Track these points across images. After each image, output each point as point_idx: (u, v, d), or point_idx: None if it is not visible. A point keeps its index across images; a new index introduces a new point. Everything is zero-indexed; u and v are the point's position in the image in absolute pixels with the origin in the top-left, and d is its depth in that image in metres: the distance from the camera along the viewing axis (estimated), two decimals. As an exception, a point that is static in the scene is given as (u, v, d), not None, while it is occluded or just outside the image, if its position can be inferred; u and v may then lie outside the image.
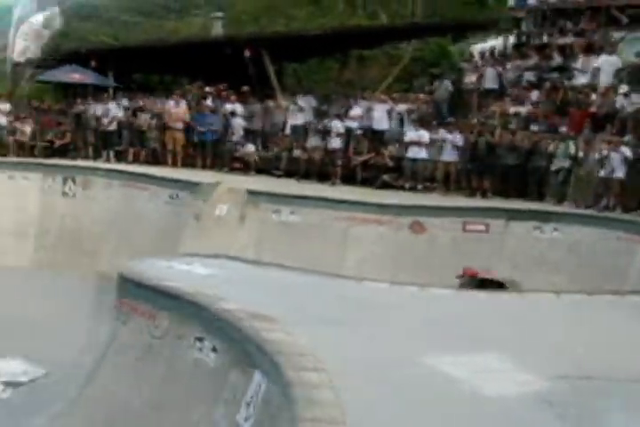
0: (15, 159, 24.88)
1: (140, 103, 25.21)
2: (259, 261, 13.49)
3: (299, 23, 37.21)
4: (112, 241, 21.12)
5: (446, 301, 11.51)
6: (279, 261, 13.70)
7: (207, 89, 25.47)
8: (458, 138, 20.69)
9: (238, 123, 23.12)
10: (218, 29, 35.20)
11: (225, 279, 11.40)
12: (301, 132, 22.68)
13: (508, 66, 24.12)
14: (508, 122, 21.45)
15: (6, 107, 25.96)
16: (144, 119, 24.28)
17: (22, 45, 27.39)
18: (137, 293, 11.08)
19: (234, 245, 17.44)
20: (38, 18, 27.59)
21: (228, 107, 23.66)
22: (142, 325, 10.81)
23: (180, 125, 23.68)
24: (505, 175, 20.59)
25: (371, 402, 6.72)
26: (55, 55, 31.23)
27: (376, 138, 22.07)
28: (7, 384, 16.02)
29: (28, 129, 25.70)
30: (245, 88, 24.70)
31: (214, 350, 9.42)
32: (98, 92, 27.87)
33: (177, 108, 24.05)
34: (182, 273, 11.66)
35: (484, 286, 14.78)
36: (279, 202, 18.89)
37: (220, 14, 36.69)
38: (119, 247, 20.46)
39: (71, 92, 30.00)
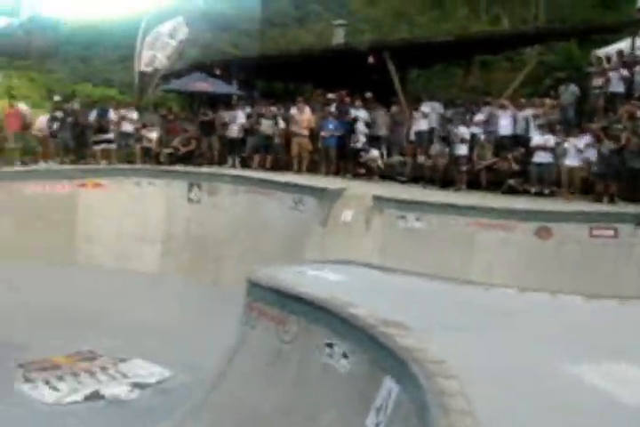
0: (141, 166, 25.47)
1: (264, 110, 25.40)
2: (387, 267, 13.38)
3: (421, 29, 37.06)
4: (237, 247, 21.33)
5: (575, 307, 11.27)
6: (405, 268, 13.65)
7: (330, 95, 25.55)
8: (584, 142, 20.30)
9: (362, 129, 23.11)
10: (340, 37, 35.28)
11: (354, 285, 11.37)
12: (425, 138, 22.55)
13: (637, 68, 23.52)
14: (637, 125, 20.93)
15: (133, 115, 26.56)
16: (269, 126, 24.46)
17: (149, 55, 27.92)
18: (267, 297, 11.14)
19: (359, 251, 17.39)
20: (164, 28, 28.09)
21: (353, 113, 23.68)
22: (272, 329, 10.87)
23: (305, 132, 23.83)
24: (633, 179, 20.10)
25: (501, 410, 6.62)
26: (181, 64, 31.83)
27: (501, 143, 21.81)
28: (134, 385, 16.38)
29: (154, 136, 26.25)
30: (369, 94, 24.66)
31: (344, 355, 9.40)
32: (223, 100, 28.25)
33: (301, 115, 24.21)
34: (312, 279, 11.68)
35: None
36: (405, 208, 18.78)
37: (341, 22, 36.77)
38: (244, 253, 20.67)
39: (196, 100, 30.48)
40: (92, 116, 26.27)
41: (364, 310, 9.65)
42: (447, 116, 22.90)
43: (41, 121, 26.15)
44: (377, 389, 8.38)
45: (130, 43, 29.28)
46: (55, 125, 25.68)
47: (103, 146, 26.04)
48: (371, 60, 25.69)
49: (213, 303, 19.38)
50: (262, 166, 24.37)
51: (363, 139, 22.93)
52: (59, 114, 25.99)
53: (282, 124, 24.34)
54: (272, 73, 33.50)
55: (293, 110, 24.63)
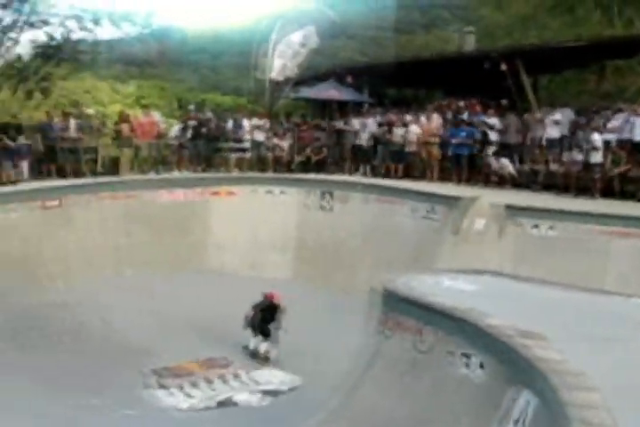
0: (273, 175, 25.75)
1: (395, 118, 25.36)
2: (523, 276, 13.25)
3: (552, 34, 36.42)
4: (368, 255, 21.31)
5: None
6: (538, 277, 13.48)
7: (461, 103, 25.40)
8: None
9: (493, 136, 22.88)
10: (470, 43, 35.03)
11: (490, 295, 11.27)
12: (558, 145, 22.20)
13: None
14: None
15: (264, 123, 26.89)
16: (399, 134, 24.43)
17: (280, 64, 28.21)
18: (403, 307, 11.12)
19: (491, 260, 17.23)
20: (295, 37, 28.35)
21: (484, 120, 23.47)
22: (408, 339, 10.85)
23: (435, 140, 23.72)
24: None
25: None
26: (311, 73, 32.06)
27: (636, 150, 21.29)
28: (266, 393, 16.51)
29: (285, 145, 26.51)
30: (503, 101, 24.41)
31: (481, 366, 9.38)
32: (353, 108, 28.34)
33: (431, 123, 24.11)
34: (448, 289, 11.64)
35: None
36: (538, 216, 18.48)
37: (471, 28, 36.51)
38: (375, 261, 20.61)
39: (326, 108, 30.65)
40: (229, 125, 26.70)
41: (500, 320, 9.59)
42: (580, 123, 22.50)
43: (175, 130, 26.70)
44: (514, 401, 8.33)
45: (257, 52, 29.58)
46: (188, 134, 26.19)
47: (239, 155, 26.44)
48: (504, 66, 25.44)
49: (344, 311, 19.34)
50: (394, 175, 24.29)
51: (494, 146, 22.66)
52: (192, 123, 26.49)
53: (413, 133, 24.20)
54: (403, 80, 33.39)
55: (423, 118, 24.54)
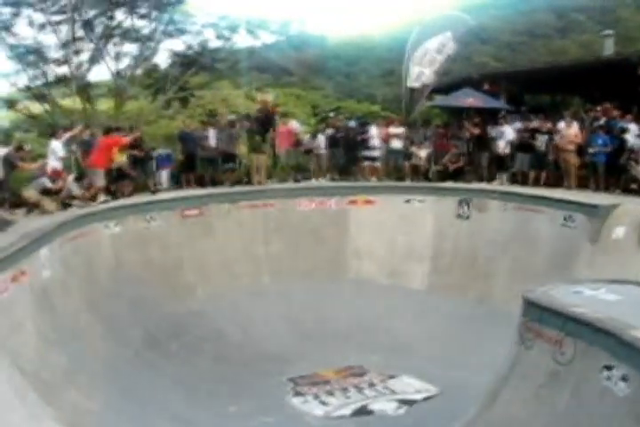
0: (411, 183, 25.77)
1: (534, 124, 25.06)
2: (667, 287, 12.93)
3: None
4: (505, 264, 21.07)
5: None
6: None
7: (598, 108, 24.94)
8: None
9: (633, 142, 22.36)
10: (609, 47, 34.39)
11: (634, 306, 11.01)
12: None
13: None
14: None
15: (401, 131, 26.93)
16: (542, 141, 24.14)
17: (417, 71, 28.19)
18: (544, 317, 10.99)
19: (631, 269, 16.79)
20: (432, 43, 28.30)
21: (622, 126, 22.97)
22: (547, 351, 10.70)
23: (572, 147, 23.35)
24: None
25: None
26: (448, 80, 32.00)
27: None
28: (402, 402, 16.50)
29: (423, 153, 26.49)
30: (643, 108, 23.88)
31: (624, 379, 9.19)
32: (489, 115, 28.15)
33: (569, 129, 23.74)
34: (589, 299, 11.45)
35: None
36: (679, 224, 18.08)
37: (610, 32, 35.82)
38: (513, 270, 20.43)
39: (464, 114, 30.54)
40: (360, 132, 26.88)
41: (645, 332, 9.41)
42: None
43: (307, 138, 27.02)
44: None
45: (392, 58, 29.70)
46: (322, 141, 26.45)
47: (368, 163, 26.56)
48: (640, 70, 24.92)
49: (481, 321, 19.30)
50: (533, 183, 24.00)
51: (633, 153, 22.12)
52: (329, 131, 26.74)
53: (557, 139, 23.85)
54: (539, 86, 33.10)
55: (561, 125, 24.20)
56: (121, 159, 22.35)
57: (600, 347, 9.76)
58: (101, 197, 21.25)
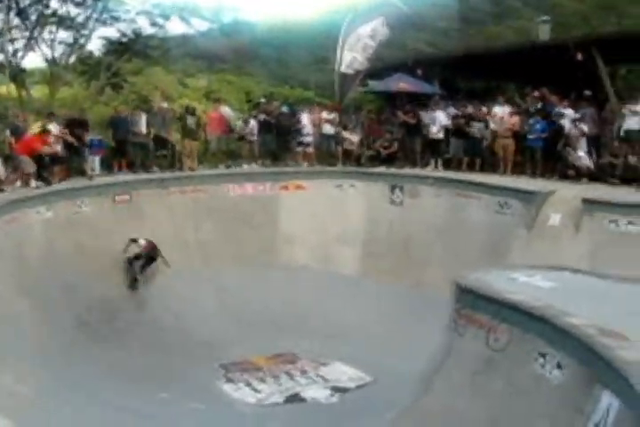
0: (343, 168, 25.56)
1: (469, 110, 24.94)
2: (601, 273, 12.83)
3: (632, 21, 35.63)
4: (439, 250, 21.01)
5: None
6: (617, 273, 13.06)
7: (535, 94, 24.87)
8: None
9: (569, 128, 22.31)
10: (545, 33, 34.39)
11: (569, 293, 10.96)
12: (637, 137, 21.57)
13: None
14: None
15: (334, 117, 26.70)
16: (477, 127, 24.03)
17: (350, 57, 27.90)
18: (477, 304, 10.92)
19: (566, 256, 16.82)
20: (365, 29, 28.02)
21: (559, 112, 22.92)
22: (481, 337, 10.68)
23: (508, 133, 23.26)
24: None
25: None
26: (380, 65, 31.80)
27: None
28: (335, 390, 16.51)
29: (355, 138, 26.29)
30: (587, 92, 23.81)
31: (559, 366, 9.15)
32: (423, 101, 28.03)
33: (505, 115, 23.66)
34: (524, 285, 11.33)
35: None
36: (616, 211, 17.94)
37: (546, 18, 35.86)
38: (447, 256, 20.35)
39: (397, 100, 30.39)
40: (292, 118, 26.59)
41: (580, 319, 9.29)
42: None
43: (240, 124, 26.65)
44: (593, 402, 8.15)
45: (325, 44, 29.46)
46: (254, 127, 26.10)
47: (302, 148, 26.28)
48: (579, 56, 24.88)
49: (415, 307, 19.23)
50: (467, 168, 23.88)
51: (570, 139, 22.05)
52: (261, 116, 26.39)
53: (492, 125, 23.74)
54: (474, 71, 33.07)
55: (497, 110, 24.10)
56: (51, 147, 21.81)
57: (535, 334, 9.72)
58: (32, 183, 20.76)
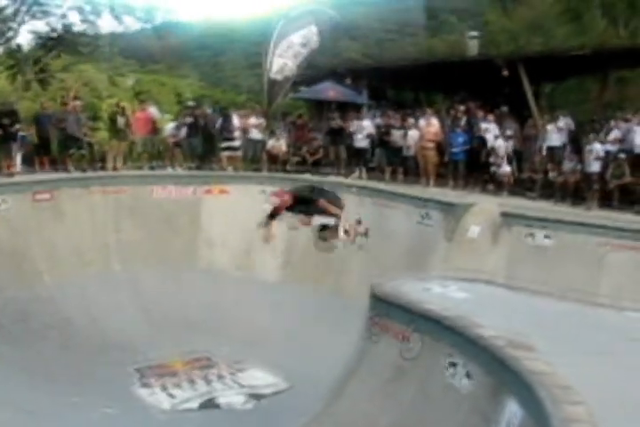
0: (268, 174, 25.51)
1: (392, 121, 25.10)
2: (515, 286, 13.10)
3: (557, 42, 36.28)
4: (360, 258, 20.96)
5: None
6: (531, 286, 13.34)
7: (461, 108, 25.17)
8: None
9: (492, 143, 22.62)
10: (473, 48, 34.84)
11: (481, 304, 11.19)
12: (558, 154, 21.97)
13: None
14: None
15: (261, 122, 26.70)
16: (398, 136, 24.16)
17: (280, 63, 27.93)
18: (391, 313, 11.07)
19: (484, 267, 17.07)
20: (296, 37, 28.09)
21: (483, 126, 23.24)
22: (394, 346, 10.84)
23: (431, 144, 23.49)
24: None
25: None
26: (312, 72, 31.92)
27: (636, 162, 21.04)
28: (251, 396, 16.55)
29: (282, 144, 26.28)
30: (504, 108, 24.19)
31: (468, 376, 9.32)
32: (352, 109, 28.17)
33: (429, 127, 23.88)
34: (438, 295, 11.53)
35: None
36: (534, 225, 18.29)
37: (475, 33, 36.32)
38: (367, 264, 20.31)
39: (324, 108, 30.49)
40: (219, 122, 26.46)
41: (491, 330, 9.48)
42: (580, 132, 22.29)
43: (170, 127, 26.46)
44: (500, 411, 8.37)
45: (259, 50, 29.44)
46: (184, 131, 25.94)
47: (229, 153, 26.20)
48: (505, 72, 25.26)
49: (333, 314, 19.29)
50: (391, 178, 24.02)
51: (494, 153, 22.34)
52: (189, 119, 26.25)
53: (412, 136, 23.92)
54: (403, 82, 33.34)
55: (422, 122, 24.32)
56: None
57: (446, 344, 9.90)
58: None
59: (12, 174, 22.17)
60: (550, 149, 22.15)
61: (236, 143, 26.20)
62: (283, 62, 27.31)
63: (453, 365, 9.50)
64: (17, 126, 22.76)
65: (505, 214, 18.86)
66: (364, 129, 25.03)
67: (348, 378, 11.85)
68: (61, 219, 21.74)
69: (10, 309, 18.51)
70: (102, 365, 17.49)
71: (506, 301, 11.82)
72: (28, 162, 23.86)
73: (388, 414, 10.13)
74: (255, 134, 26.39)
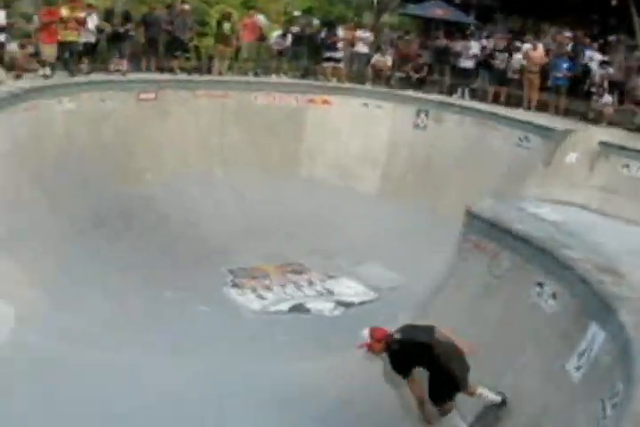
0: (372, 88, 25.49)
1: (498, 43, 24.80)
2: (608, 213, 13.11)
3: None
4: (457, 177, 21.10)
5: None
6: (623, 216, 13.31)
7: (567, 34, 24.76)
8: None
9: (597, 71, 22.31)
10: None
11: (574, 227, 11.10)
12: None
13: None
14: None
15: (368, 36, 26.56)
16: (503, 59, 23.92)
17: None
18: (484, 230, 11.10)
19: (579, 194, 16.97)
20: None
21: (588, 54, 22.91)
22: (484, 263, 10.87)
23: (535, 68, 23.23)
24: None
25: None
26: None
27: None
28: (339, 303, 16.72)
29: (387, 59, 26.18)
30: (610, 38, 23.74)
31: (553, 296, 9.36)
32: (459, 29, 27.89)
33: (535, 51, 23.56)
34: (531, 216, 11.55)
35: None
36: (630, 156, 18.25)
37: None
38: (464, 184, 20.39)
39: (432, 26, 30.21)
40: (323, 33, 26.45)
41: (580, 253, 9.56)
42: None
43: (276, 35, 26.47)
44: (582, 334, 8.38)
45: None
46: (290, 40, 26.01)
47: (331, 64, 26.17)
48: (614, 2, 24.73)
49: (428, 230, 19.34)
50: (493, 100, 23.95)
51: (597, 82, 22.03)
52: (295, 29, 26.29)
53: (518, 59, 23.65)
54: (511, 6, 32.75)
55: (527, 46, 24.00)
56: (76, 36, 21.69)
57: (535, 264, 9.95)
58: (46, 71, 20.75)
59: (120, 73, 22.61)
60: (655, 80, 21.73)
61: (339, 54, 26.12)
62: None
63: (540, 285, 9.58)
64: (127, 27, 23.09)
65: (603, 144, 18.79)
66: (469, 49, 24.81)
67: (436, 292, 11.97)
68: (165, 119, 22.20)
69: (112, 205, 19.03)
70: (196, 264, 18.10)
71: (598, 226, 11.83)
72: (135, 62, 24.27)
73: (473, 330, 10.15)
74: (361, 48, 26.31)
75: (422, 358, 8.61)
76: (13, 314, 12.13)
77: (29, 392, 9.93)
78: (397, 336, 8.78)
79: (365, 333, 8.45)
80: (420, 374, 8.56)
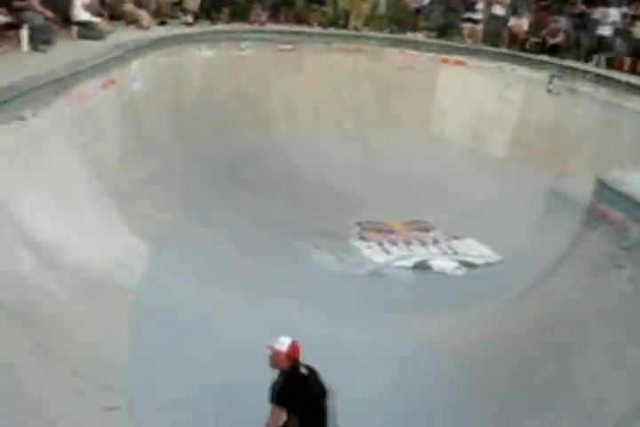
0: (506, 51, 25.19)
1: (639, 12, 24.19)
2: None
3: None
4: (588, 146, 20.65)
5: None
6: None
7: None
8: None
9: None
10: None
11: None
12: None
13: None
14: None
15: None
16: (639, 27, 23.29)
17: None
18: (614, 201, 10.86)
19: None
20: None
21: None
22: (611, 233, 10.68)
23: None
24: None
25: None
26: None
27: None
28: (463, 263, 16.81)
29: (524, 23, 25.83)
30: None
31: None
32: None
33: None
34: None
35: None
36: None
37: None
38: (594, 153, 19.94)
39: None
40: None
41: None
42: None
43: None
44: None
45: None
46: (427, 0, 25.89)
47: (469, 24, 25.99)
48: None
49: (554, 198, 19.05)
50: (633, 70, 23.16)
51: None
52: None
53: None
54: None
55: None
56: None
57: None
58: (189, 19, 21.30)
59: (259, 23, 22.86)
60: None
61: (477, 16, 25.98)
62: None
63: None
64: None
65: None
66: (608, 17, 24.24)
67: (560, 261, 11.86)
68: (301, 71, 22.66)
69: (245, 153, 19.61)
70: (324, 215, 18.41)
71: None
72: (273, 15, 24.53)
73: (593, 302, 10.12)
74: (498, 10, 26.06)
75: (309, 402, 7.48)
76: (147, 252, 12.65)
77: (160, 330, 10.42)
78: (308, 368, 7.63)
79: (286, 342, 7.64)
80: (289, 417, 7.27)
